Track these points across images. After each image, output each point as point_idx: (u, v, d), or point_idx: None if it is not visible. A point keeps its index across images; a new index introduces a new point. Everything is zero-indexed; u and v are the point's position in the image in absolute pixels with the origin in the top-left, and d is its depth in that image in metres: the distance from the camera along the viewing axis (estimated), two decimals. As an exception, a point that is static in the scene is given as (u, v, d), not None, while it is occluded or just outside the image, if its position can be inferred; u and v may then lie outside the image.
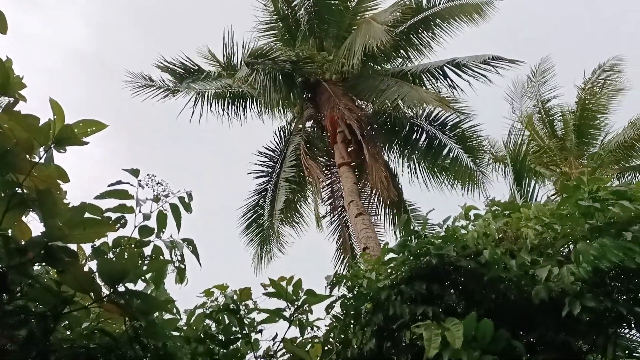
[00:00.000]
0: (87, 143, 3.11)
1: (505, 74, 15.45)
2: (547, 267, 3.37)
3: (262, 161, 17.65)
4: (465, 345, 3.01)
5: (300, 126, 17.36)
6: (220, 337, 4.08)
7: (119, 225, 3.42)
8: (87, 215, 3.15)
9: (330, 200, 17.60)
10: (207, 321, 4.16)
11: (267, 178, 17.45)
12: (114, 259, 3.14)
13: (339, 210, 17.15)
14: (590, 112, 20.30)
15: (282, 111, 18.28)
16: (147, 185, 3.63)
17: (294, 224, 17.81)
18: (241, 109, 17.94)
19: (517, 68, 14.96)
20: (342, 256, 17.23)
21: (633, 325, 3.91)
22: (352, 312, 4.18)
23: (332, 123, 15.42)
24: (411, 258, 3.98)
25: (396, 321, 3.69)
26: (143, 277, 3.42)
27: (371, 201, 17.51)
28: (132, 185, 3.49)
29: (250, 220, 17.42)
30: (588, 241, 3.48)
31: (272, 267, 17.55)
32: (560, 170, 19.72)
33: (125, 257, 3.04)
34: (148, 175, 3.68)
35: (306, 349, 4.28)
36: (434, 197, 16.79)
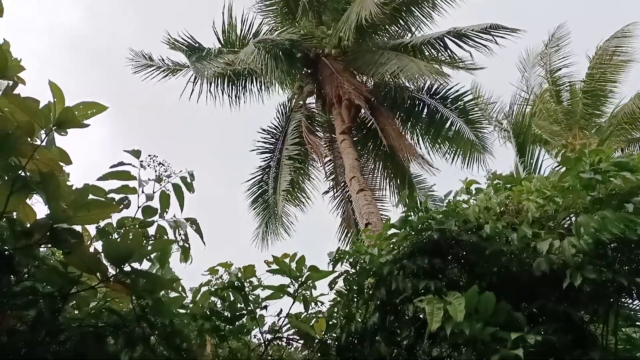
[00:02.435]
0: (87, 125, 3.12)
1: (515, 44, 15.22)
2: (548, 239, 3.39)
3: (265, 138, 17.69)
4: (467, 318, 3.05)
5: (301, 102, 17.30)
6: (225, 313, 4.15)
7: (122, 206, 3.45)
8: (90, 197, 3.18)
9: (332, 176, 17.66)
10: (213, 299, 4.23)
11: (269, 155, 17.50)
12: (118, 240, 3.17)
13: (342, 185, 17.20)
14: (598, 82, 20.01)
15: (283, 88, 18.20)
16: (148, 166, 3.65)
17: (298, 202, 17.92)
18: (241, 87, 17.86)
19: (529, 36, 14.74)
20: (345, 230, 17.38)
21: (634, 295, 3.95)
22: (355, 288, 4.23)
23: (334, 100, 15.36)
24: (413, 233, 4.00)
25: (399, 296, 3.73)
26: (148, 257, 3.46)
27: (375, 176, 17.58)
28: (134, 166, 3.51)
29: (255, 195, 17.57)
30: (589, 213, 3.49)
31: (277, 243, 17.75)
32: (565, 142, 19.60)
33: (130, 237, 3.06)
34: (149, 156, 3.69)
35: (310, 324, 4.35)
36: (440, 168, 16.75)
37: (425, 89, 16.37)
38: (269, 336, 4.32)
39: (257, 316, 4.26)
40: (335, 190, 17.69)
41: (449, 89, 15.88)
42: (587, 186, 3.65)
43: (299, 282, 4.20)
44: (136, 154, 3.52)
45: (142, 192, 3.51)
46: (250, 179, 17.66)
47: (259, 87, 17.95)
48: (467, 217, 3.88)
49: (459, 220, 3.92)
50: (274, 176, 16.94)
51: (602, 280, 3.35)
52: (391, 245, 4.08)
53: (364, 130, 17.24)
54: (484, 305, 3.12)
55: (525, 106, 15.71)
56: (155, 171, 3.69)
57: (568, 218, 3.94)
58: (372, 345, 3.95)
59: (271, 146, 17.62)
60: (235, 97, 17.78)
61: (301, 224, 17.59)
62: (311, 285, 4.30)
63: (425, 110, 16.52)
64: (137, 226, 3.44)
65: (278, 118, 17.87)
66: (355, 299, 4.28)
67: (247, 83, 17.81)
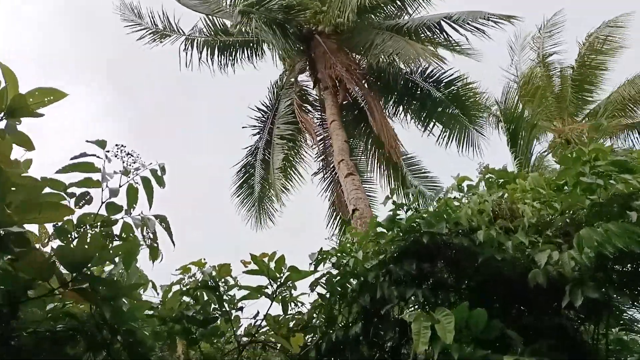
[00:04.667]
0: (42, 115, 2.81)
1: (508, 29, 14.88)
2: (546, 251, 3.13)
3: (256, 117, 17.31)
4: (457, 335, 2.80)
5: (292, 80, 16.89)
6: (198, 316, 3.87)
7: (83, 201, 3.15)
8: (48, 190, 2.88)
9: (322, 157, 17.35)
10: (185, 298, 3.94)
11: (258, 136, 17.11)
12: (74, 243, 2.87)
13: (332, 167, 16.90)
14: (588, 69, 19.79)
15: (275, 62, 17.76)
16: (115, 156, 3.34)
17: (289, 180, 17.58)
18: (231, 57, 17.41)
19: (522, 22, 14.35)
20: (335, 213, 17.14)
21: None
22: (338, 289, 3.97)
23: (326, 79, 14.96)
24: (401, 235, 3.73)
25: (384, 304, 3.48)
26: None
27: (368, 157, 17.33)
28: (98, 157, 3.20)
29: (241, 181, 17.24)
30: (589, 218, 3.28)
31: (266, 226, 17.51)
32: (554, 127, 19.41)
33: (88, 240, 2.77)
34: (117, 145, 3.39)
35: (290, 325, 4.11)
36: (430, 148, 16.56)
37: (419, 71, 16.01)
38: (244, 339, 4.07)
39: (232, 318, 4.00)
40: (324, 171, 17.40)
41: (443, 73, 15.54)
42: (586, 189, 3.41)
43: (278, 283, 3.94)
44: (101, 144, 3.21)
45: (107, 186, 3.21)
46: (237, 163, 17.29)
47: (248, 56, 17.53)
48: (459, 220, 3.63)
49: (450, 223, 3.66)
50: (261, 158, 16.57)
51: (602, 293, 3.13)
52: (377, 248, 3.81)
53: (356, 111, 16.89)
54: (475, 321, 2.88)
55: (517, 94, 15.35)
56: (123, 162, 3.39)
57: (566, 221, 3.70)
58: (354, 352, 3.72)
59: (261, 125, 17.24)
60: (224, 65, 17.42)
61: (288, 207, 17.29)
62: (291, 285, 4.04)
63: (419, 92, 16.18)
64: (99, 224, 3.14)
65: (268, 97, 17.48)
66: (338, 302, 4.03)
67: (238, 53, 17.38)
